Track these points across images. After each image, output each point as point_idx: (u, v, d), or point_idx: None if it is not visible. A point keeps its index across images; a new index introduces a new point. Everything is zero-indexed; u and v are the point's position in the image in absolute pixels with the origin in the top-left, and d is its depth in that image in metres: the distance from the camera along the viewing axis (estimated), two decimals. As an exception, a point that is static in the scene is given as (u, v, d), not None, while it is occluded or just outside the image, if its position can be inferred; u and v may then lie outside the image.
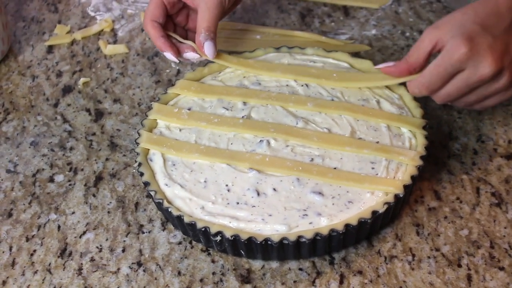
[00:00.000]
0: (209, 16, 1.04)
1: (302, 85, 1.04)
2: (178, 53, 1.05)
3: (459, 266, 0.89)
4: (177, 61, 1.06)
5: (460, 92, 0.90)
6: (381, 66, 0.97)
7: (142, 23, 1.15)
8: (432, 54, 0.91)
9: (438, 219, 0.94)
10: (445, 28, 0.89)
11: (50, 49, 1.28)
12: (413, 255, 0.90)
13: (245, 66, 1.08)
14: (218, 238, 0.87)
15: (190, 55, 1.06)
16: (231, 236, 0.86)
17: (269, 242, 0.85)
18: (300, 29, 1.27)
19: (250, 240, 0.86)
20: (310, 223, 0.87)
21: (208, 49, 1.04)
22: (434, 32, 0.90)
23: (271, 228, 0.87)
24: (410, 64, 0.93)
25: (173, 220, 0.92)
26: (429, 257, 0.90)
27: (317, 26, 1.28)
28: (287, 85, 1.05)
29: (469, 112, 1.07)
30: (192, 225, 0.88)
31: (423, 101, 1.08)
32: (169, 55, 1.05)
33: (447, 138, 1.04)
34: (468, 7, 0.90)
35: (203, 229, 0.87)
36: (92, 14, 1.35)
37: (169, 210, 0.89)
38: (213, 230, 0.87)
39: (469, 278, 0.87)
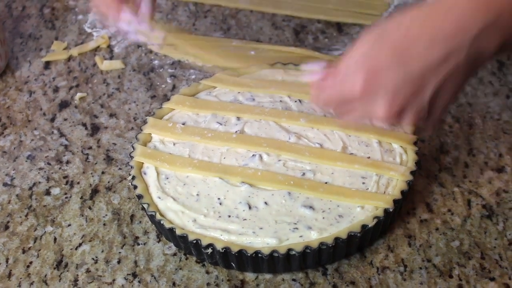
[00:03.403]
0: None
1: (296, 101, 1.06)
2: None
3: (451, 276, 0.89)
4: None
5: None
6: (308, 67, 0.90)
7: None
8: None
9: (430, 231, 0.95)
10: (372, 38, 0.77)
11: (47, 65, 1.29)
12: (405, 266, 0.91)
13: (241, 86, 1.09)
14: (209, 250, 0.88)
15: (125, 16, 0.97)
16: (222, 249, 0.87)
17: (259, 255, 0.86)
18: (294, 45, 1.28)
19: (241, 252, 0.87)
20: (301, 236, 0.88)
21: (144, 5, 0.97)
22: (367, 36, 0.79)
23: (262, 241, 0.88)
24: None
25: (166, 232, 0.93)
26: (420, 268, 0.91)
27: (311, 42, 1.29)
28: (280, 100, 1.06)
29: (460, 126, 1.08)
30: (184, 238, 0.89)
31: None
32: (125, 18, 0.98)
33: (439, 152, 1.05)
34: (406, 17, 0.76)
35: (194, 242, 0.88)
36: (89, 30, 1.36)
37: (161, 222, 0.90)
38: (204, 242, 0.87)
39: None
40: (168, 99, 1.08)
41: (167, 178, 0.96)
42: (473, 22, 0.72)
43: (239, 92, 1.08)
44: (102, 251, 0.96)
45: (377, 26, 0.77)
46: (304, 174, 0.95)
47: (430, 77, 0.74)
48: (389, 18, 0.77)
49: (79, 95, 1.20)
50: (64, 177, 1.06)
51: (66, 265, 0.94)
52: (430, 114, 0.77)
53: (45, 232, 0.99)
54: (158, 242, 0.96)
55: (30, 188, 1.05)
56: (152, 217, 0.92)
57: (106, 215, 1.00)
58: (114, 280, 0.92)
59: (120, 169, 1.07)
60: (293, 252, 0.86)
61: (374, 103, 0.77)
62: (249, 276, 0.91)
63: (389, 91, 0.75)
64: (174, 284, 0.91)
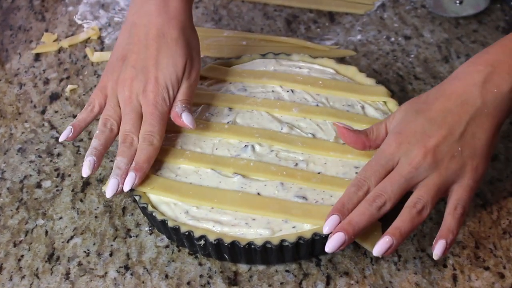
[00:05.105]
0: (189, 91, 0.98)
1: (288, 91, 1.05)
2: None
3: (445, 266, 0.89)
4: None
5: (400, 189, 0.83)
6: (340, 124, 0.90)
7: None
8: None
9: (424, 221, 0.94)
10: (396, 110, 0.89)
11: (37, 57, 1.29)
12: (399, 256, 0.91)
13: (232, 76, 1.09)
14: (202, 242, 0.88)
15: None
16: (215, 240, 0.86)
17: (252, 246, 0.86)
18: (286, 35, 1.28)
19: (234, 244, 0.86)
20: (294, 227, 0.88)
21: (186, 119, 0.95)
22: (391, 115, 0.89)
23: (255, 232, 0.87)
24: (369, 140, 0.89)
25: (158, 224, 0.93)
26: (415, 258, 0.90)
27: (303, 32, 1.29)
28: (272, 90, 1.06)
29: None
30: (176, 230, 0.88)
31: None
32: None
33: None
34: (426, 92, 0.89)
35: (186, 233, 0.88)
36: (79, 22, 1.36)
37: (153, 214, 0.90)
38: (196, 234, 0.87)
39: (454, 278, 0.88)
40: (160, 91, 1.08)
41: (159, 169, 0.96)
42: (477, 77, 0.85)
43: (230, 83, 1.08)
44: (94, 244, 0.95)
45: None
46: (296, 164, 0.94)
47: (454, 120, 0.84)
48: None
49: (69, 87, 1.20)
50: (55, 170, 1.06)
51: (58, 258, 0.94)
52: (467, 159, 0.84)
53: (36, 225, 0.98)
54: (150, 234, 0.96)
55: (21, 181, 1.05)
56: (144, 209, 0.92)
57: (98, 207, 1.00)
58: (106, 273, 0.92)
59: (111, 161, 1.06)
60: (286, 243, 0.86)
61: (411, 152, 0.83)
62: (242, 267, 0.91)
63: (419, 134, 0.83)
64: (166, 276, 0.91)
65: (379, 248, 0.81)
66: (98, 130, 0.95)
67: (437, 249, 0.81)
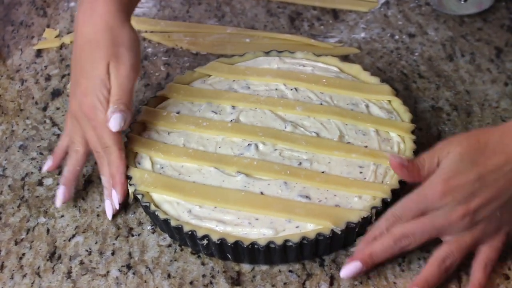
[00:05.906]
0: (119, 90, 0.96)
1: (291, 89, 1.05)
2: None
3: (449, 267, 0.89)
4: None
5: (428, 236, 0.84)
6: (394, 159, 0.86)
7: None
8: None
9: (428, 221, 0.94)
10: (453, 144, 0.85)
11: (39, 53, 1.28)
12: (403, 257, 0.90)
13: (236, 74, 1.08)
14: (205, 241, 0.87)
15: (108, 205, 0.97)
16: (218, 240, 0.86)
17: (255, 246, 0.85)
18: (290, 33, 1.27)
19: (237, 244, 0.86)
20: (297, 227, 0.87)
21: (112, 123, 0.93)
22: (447, 147, 0.85)
23: (258, 232, 0.87)
24: (420, 176, 0.85)
25: (160, 223, 0.92)
26: (419, 259, 0.89)
27: (306, 30, 1.28)
28: (276, 89, 1.05)
29: (458, 114, 1.07)
30: (179, 229, 0.88)
31: (412, 105, 1.09)
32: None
33: (437, 140, 1.03)
34: (475, 131, 0.90)
35: (189, 233, 0.87)
36: (82, 18, 1.35)
37: (156, 213, 0.89)
38: (199, 233, 0.87)
39: (459, 279, 0.87)
40: (162, 88, 1.08)
41: (162, 167, 0.95)
42: None
43: (234, 80, 1.07)
44: (96, 243, 0.95)
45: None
46: (300, 163, 0.94)
47: (503, 185, 0.82)
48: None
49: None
50: (57, 167, 1.05)
51: (59, 257, 0.93)
52: (503, 224, 0.84)
53: (37, 223, 0.98)
54: (153, 233, 0.95)
55: (23, 179, 1.04)
56: (146, 208, 0.91)
57: (100, 205, 0.99)
58: (108, 272, 0.91)
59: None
60: (290, 243, 0.85)
61: (452, 207, 0.82)
62: (245, 267, 0.90)
63: (466, 193, 0.81)
64: (169, 276, 0.90)
65: None
66: (67, 155, 1.00)
67: None
